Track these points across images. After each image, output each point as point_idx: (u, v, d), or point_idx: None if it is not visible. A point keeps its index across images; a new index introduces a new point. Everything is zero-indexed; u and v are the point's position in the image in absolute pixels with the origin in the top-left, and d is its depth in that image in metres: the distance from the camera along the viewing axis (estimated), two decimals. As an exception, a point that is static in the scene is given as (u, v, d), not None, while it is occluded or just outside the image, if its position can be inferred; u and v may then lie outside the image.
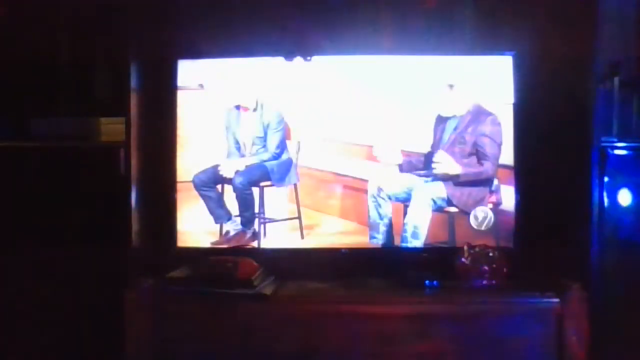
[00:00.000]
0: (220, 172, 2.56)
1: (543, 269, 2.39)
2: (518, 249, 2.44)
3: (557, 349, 2.23)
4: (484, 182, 2.46)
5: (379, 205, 2.51)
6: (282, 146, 2.58)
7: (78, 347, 2.49)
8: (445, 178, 2.47)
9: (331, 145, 2.59)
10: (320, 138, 2.58)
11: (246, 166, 2.57)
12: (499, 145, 2.45)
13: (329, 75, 2.53)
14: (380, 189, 2.51)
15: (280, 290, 2.34)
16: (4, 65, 2.62)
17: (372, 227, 2.52)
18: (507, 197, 2.47)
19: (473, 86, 2.47)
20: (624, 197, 2.43)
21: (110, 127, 2.53)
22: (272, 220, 2.59)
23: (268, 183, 2.59)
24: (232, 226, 2.56)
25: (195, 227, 2.54)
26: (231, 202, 2.57)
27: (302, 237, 2.56)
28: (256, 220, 2.57)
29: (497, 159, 2.45)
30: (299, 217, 2.58)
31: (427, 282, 2.36)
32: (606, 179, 2.39)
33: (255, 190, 2.58)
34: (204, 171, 2.56)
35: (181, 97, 2.52)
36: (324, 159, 2.60)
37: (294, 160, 2.59)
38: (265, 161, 2.58)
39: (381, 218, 2.51)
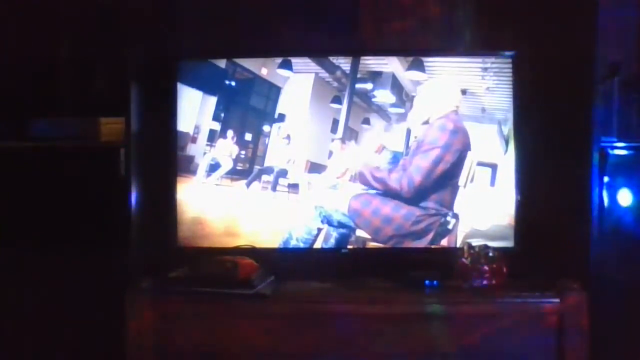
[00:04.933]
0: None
1: (543, 269, 2.39)
2: (518, 249, 2.45)
3: (557, 349, 2.23)
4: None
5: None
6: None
7: (78, 347, 2.49)
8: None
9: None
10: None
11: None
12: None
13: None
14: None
15: (280, 290, 2.34)
16: (3, 65, 2.62)
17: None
18: (507, 197, 2.47)
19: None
20: (624, 197, 2.43)
21: (110, 127, 2.53)
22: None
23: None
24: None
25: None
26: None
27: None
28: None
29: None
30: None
31: (427, 282, 2.36)
32: (606, 179, 2.40)
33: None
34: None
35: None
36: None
37: (294, 160, 2.61)
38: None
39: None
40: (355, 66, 2.53)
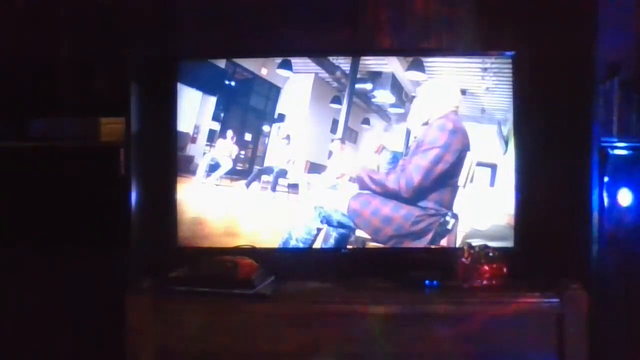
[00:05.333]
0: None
1: (543, 269, 2.39)
2: (518, 249, 2.45)
3: (557, 349, 2.23)
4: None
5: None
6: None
7: (78, 347, 2.49)
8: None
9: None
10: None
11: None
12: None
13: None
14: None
15: (280, 290, 2.34)
16: (4, 66, 2.62)
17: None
18: (507, 197, 2.47)
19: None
20: (624, 197, 2.43)
21: (110, 127, 2.53)
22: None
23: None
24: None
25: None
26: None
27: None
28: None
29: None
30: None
31: (427, 282, 2.36)
32: (606, 179, 2.40)
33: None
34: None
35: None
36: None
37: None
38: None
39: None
40: (355, 66, 2.53)
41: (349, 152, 2.56)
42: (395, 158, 2.54)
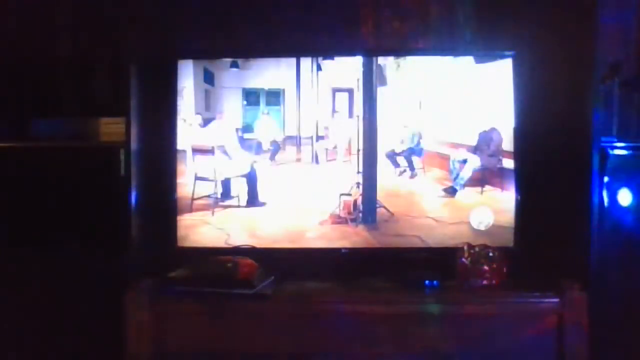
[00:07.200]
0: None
1: (543, 269, 2.39)
2: (518, 249, 2.45)
3: (557, 349, 2.23)
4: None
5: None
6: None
7: (78, 347, 2.49)
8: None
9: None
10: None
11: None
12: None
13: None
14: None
15: (280, 290, 2.34)
16: (3, 65, 2.62)
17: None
18: (507, 197, 2.47)
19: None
20: (624, 197, 2.43)
21: (110, 127, 2.53)
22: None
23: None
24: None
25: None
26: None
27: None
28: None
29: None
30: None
31: (427, 282, 2.36)
32: (606, 179, 2.39)
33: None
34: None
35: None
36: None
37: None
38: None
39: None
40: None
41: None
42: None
